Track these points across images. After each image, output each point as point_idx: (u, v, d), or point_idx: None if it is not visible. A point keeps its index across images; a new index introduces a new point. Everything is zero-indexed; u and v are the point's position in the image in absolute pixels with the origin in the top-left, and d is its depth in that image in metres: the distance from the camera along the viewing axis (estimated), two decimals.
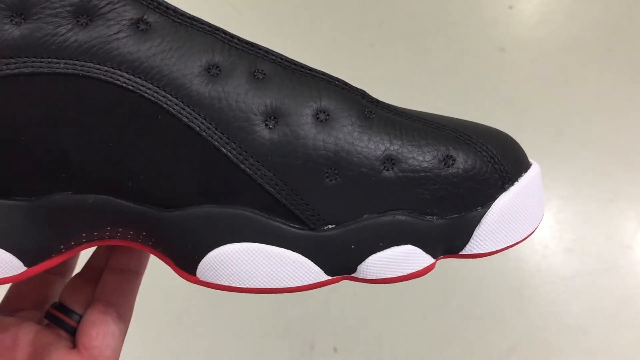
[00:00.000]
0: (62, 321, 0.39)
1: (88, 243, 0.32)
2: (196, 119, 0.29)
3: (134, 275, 0.40)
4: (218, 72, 0.30)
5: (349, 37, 0.94)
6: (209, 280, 0.31)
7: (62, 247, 0.32)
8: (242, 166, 0.29)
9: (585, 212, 0.80)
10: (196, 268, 0.31)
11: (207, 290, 0.40)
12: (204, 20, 0.31)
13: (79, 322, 0.39)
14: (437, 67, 0.91)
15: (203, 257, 0.30)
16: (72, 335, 0.39)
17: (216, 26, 0.31)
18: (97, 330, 0.38)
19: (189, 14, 0.31)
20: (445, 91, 0.89)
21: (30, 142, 0.29)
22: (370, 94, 0.33)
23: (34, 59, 0.28)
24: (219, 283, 0.30)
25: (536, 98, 0.89)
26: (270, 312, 0.74)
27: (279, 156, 0.30)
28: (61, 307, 0.40)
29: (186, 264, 0.31)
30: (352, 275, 0.31)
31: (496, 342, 0.75)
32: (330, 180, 0.30)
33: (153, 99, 0.29)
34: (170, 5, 0.31)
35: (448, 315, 0.76)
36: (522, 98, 0.89)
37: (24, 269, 0.31)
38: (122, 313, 0.39)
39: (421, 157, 0.31)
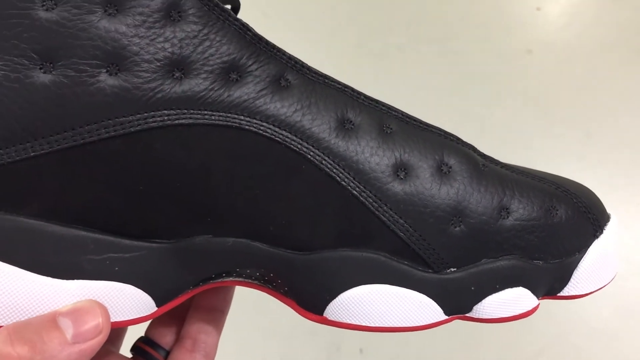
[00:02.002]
0: (151, 355, 0.40)
1: (214, 283, 0.34)
2: (336, 169, 0.31)
3: (219, 314, 0.42)
4: (352, 126, 0.32)
5: (376, 39, 0.94)
6: (339, 319, 0.33)
7: (191, 287, 0.34)
8: (377, 213, 0.32)
9: (614, 216, 0.81)
10: (325, 308, 0.33)
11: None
12: (333, 78, 0.34)
13: (165, 357, 0.40)
14: (464, 69, 0.92)
15: (335, 298, 0.32)
16: None
17: (344, 83, 0.34)
18: None
19: (320, 72, 0.34)
20: (473, 93, 0.90)
21: (183, 189, 0.31)
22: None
23: (192, 111, 0.30)
24: (350, 322, 0.32)
25: (564, 100, 0.89)
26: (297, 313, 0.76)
27: (410, 205, 0.32)
28: (148, 341, 0.41)
29: (313, 304, 0.33)
30: (467, 314, 0.34)
31: (524, 345, 0.75)
32: (455, 227, 0.33)
33: (298, 149, 0.31)
34: (305, 63, 0.33)
35: None
36: (550, 100, 0.89)
37: (155, 308, 0.33)
38: (209, 351, 0.40)
39: (530, 207, 0.34)
